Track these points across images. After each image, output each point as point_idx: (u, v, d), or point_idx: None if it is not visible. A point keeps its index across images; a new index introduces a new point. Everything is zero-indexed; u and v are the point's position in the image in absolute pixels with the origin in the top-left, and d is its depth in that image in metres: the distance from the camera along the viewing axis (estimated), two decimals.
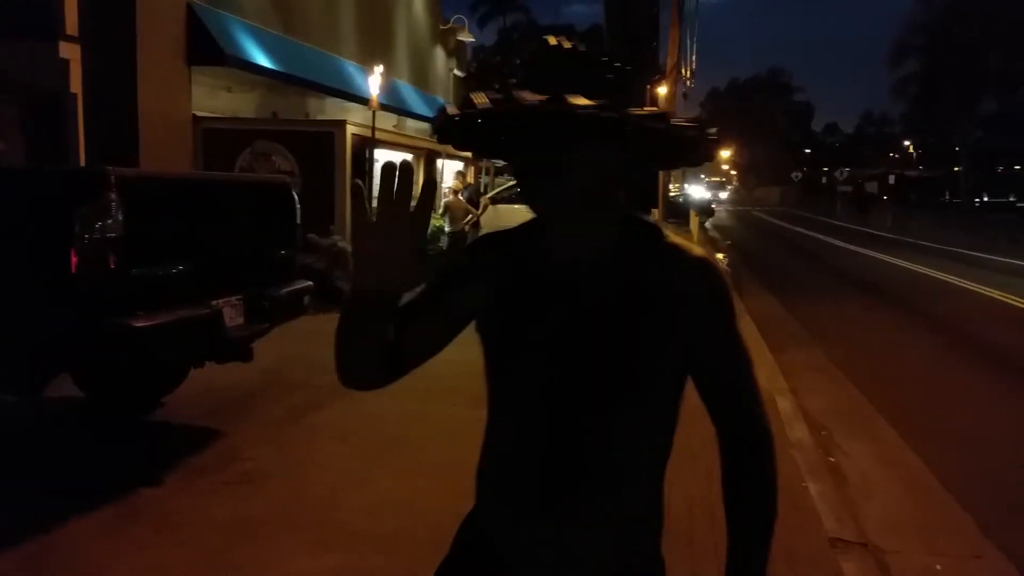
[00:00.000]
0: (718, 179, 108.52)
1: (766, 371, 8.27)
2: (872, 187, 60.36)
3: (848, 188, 65.75)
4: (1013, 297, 14.79)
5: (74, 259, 4.27)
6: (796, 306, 13.50)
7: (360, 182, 1.31)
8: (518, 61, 1.41)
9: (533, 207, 1.43)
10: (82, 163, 9.67)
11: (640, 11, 11.09)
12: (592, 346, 1.40)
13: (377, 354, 1.37)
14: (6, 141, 5.83)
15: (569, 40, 1.39)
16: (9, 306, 4.54)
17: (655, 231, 1.48)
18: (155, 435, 5.82)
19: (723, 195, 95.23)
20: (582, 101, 1.21)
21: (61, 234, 4.33)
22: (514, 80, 1.36)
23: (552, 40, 1.39)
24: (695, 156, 1.49)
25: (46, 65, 10.25)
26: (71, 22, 10.29)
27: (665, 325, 1.41)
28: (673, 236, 1.48)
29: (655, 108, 1.36)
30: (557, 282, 1.43)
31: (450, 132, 1.40)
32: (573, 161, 1.34)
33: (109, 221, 4.31)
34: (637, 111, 1.29)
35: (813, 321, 12.03)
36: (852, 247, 28.20)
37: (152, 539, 4.11)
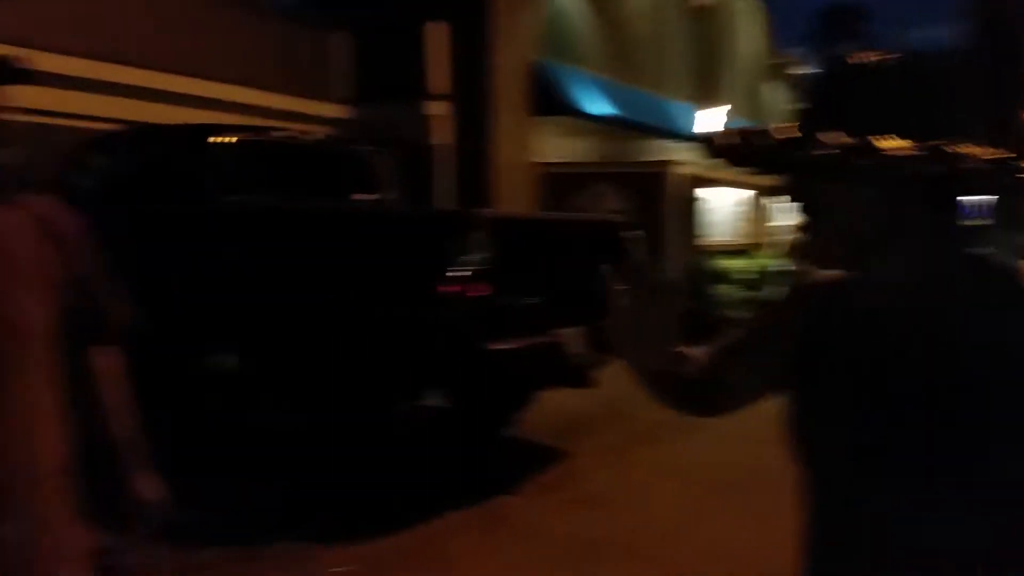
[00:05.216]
0: None
1: None
2: None
3: None
4: None
5: (451, 288, 4.85)
6: None
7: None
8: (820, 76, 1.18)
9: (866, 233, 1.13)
10: (445, 206, 10.81)
11: (1008, 28, 10.13)
12: (968, 394, 1.09)
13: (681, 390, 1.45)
14: (385, 188, 6.95)
15: (877, 55, 1.12)
16: (390, 325, 5.14)
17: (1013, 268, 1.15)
18: (509, 449, 6.35)
19: None
20: (892, 144, 1.00)
21: (438, 265, 4.90)
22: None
23: (855, 58, 1.13)
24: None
25: (413, 121, 11.63)
26: (433, 84, 11.64)
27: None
28: None
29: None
30: (904, 322, 1.15)
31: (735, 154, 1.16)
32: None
33: (479, 256, 4.85)
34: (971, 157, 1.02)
35: None
36: None
37: (509, 543, 4.55)
